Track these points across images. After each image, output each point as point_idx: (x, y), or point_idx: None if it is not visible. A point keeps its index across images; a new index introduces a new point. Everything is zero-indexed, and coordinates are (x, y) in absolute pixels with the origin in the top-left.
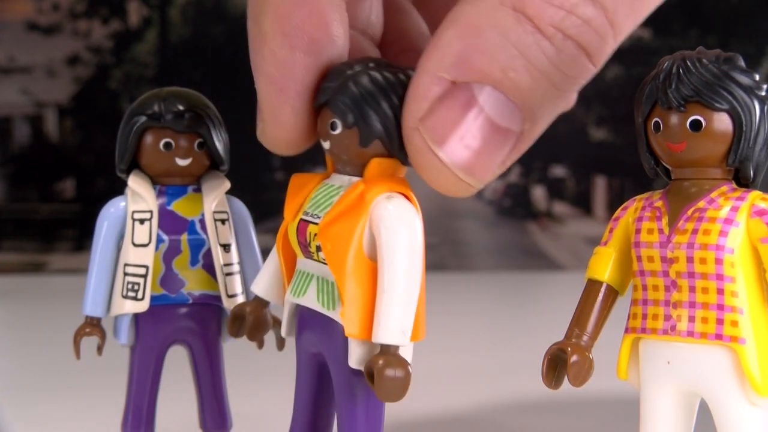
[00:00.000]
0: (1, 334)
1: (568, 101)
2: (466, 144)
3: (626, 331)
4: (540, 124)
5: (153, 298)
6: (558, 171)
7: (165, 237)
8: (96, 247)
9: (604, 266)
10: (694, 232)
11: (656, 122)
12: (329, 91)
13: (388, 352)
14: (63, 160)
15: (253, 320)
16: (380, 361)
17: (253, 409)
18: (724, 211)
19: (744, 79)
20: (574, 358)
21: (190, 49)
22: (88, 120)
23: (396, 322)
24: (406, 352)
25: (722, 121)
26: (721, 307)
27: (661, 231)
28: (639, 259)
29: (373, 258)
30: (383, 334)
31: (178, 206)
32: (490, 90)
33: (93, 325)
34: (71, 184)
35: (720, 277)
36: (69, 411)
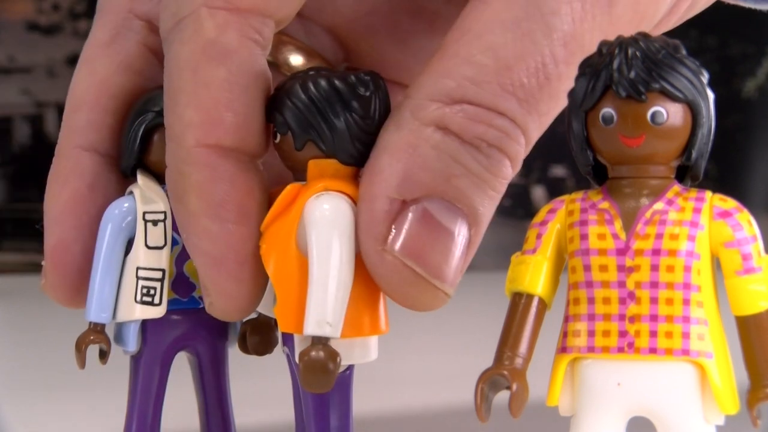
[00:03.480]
0: (1, 334)
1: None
2: (432, 253)
3: (563, 350)
4: (484, 224)
5: None
6: (558, 171)
7: (179, 239)
8: (100, 251)
9: (535, 277)
10: (658, 236)
11: (608, 113)
12: (270, 107)
13: (318, 343)
14: None
15: (258, 339)
16: (310, 353)
17: (257, 417)
18: (689, 214)
19: (696, 68)
20: (515, 386)
21: None
22: None
23: (321, 314)
24: (370, 345)
25: (683, 114)
26: (687, 319)
27: (615, 236)
28: (587, 268)
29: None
30: (308, 326)
31: None
32: (439, 201)
33: (97, 332)
34: None
35: (687, 286)
36: (69, 411)
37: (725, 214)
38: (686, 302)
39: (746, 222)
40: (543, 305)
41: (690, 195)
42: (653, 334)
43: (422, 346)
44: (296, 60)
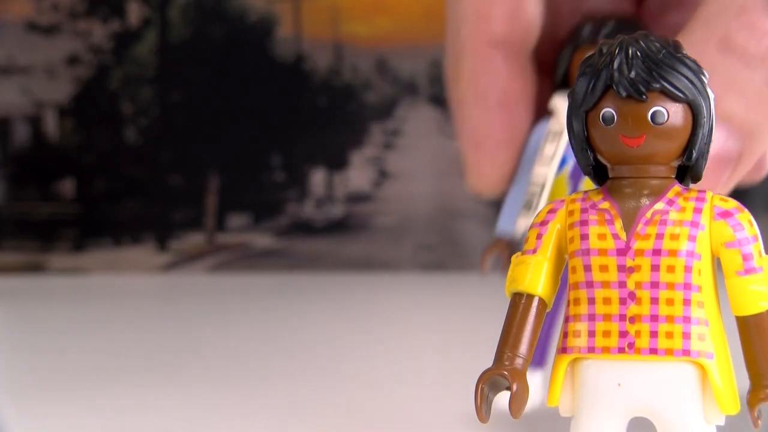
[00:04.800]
0: (1, 334)
1: None
2: None
3: (563, 351)
4: (758, 141)
5: None
6: None
7: (568, 158)
8: (523, 165)
9: (536, 277)
10: (659, 236)
11: (608, 113)
12: None
13: None
14: (63, 160)
15: None
16: None
17: None
18: (690, 214)
19: (697, 68)
20: (515, 387)
21: (190, 49)
22: (88, 120)
23: None
24: None
25: (684, 114)
26: (687, 319)
27: (615, 236)
28: (588, 268)
29: None
30: None
31: None
32: None
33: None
34: (71, 184)
35: (688, 286)
36: (69, 411)
37: (726, 215)
38: (687, 302)
39: (747, 222)
40: (543, 305)
41: (690, 195)
42: (654, 334)
43: (422, 346)
44: None
